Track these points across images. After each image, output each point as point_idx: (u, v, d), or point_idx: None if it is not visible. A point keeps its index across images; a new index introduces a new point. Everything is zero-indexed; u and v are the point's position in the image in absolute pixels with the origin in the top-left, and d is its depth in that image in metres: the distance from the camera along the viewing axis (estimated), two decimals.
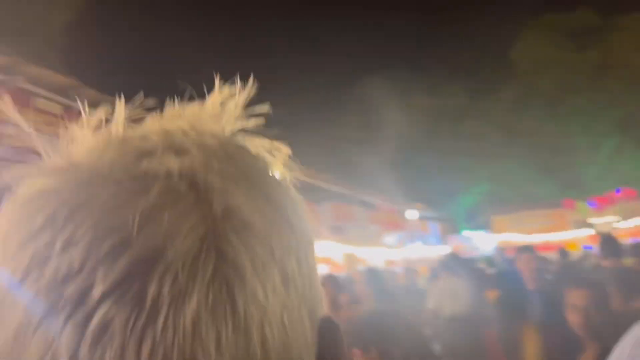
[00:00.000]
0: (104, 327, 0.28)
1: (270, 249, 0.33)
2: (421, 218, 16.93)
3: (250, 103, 0.40)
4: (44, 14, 16.12)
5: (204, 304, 0.29)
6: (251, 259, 0.31)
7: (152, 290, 0.28)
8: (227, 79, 0.41)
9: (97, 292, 0.28)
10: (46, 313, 0.28)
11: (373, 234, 13.48)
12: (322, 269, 12.24)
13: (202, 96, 0.41)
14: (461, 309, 4.26)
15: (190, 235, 0.30)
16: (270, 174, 0.39)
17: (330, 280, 4.75)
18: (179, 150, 0.34)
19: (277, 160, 0.41)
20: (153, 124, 0.38)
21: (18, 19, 15.38)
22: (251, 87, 0.41)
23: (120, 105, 0.39)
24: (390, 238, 14.43)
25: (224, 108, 0.39)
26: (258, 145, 0.40)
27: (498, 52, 24.15)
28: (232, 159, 0.35)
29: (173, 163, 0.33)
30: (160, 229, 0.29)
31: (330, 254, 11.89)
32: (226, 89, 0.40)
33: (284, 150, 0.42)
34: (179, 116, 0.38)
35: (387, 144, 19.80)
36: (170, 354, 0.28)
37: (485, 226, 18.71)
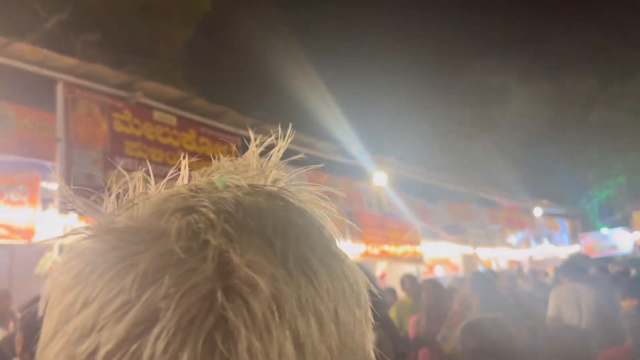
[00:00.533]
0: None
1: (279, 309, 0.31)
2: (548, 215, 15.77)
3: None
4: (166, 33, 17.31)
5: None
6: (252, 323, 0.30)
7: (147, 353, 0.29)
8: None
9: (101, 353, 0.30)
10: None
11: (494, 233, 12.83)
12: (437, 271, 11.88)
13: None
14: (585, 318, 3.75)
15: (187, 298, 0.30)
16: (298, 226, 0.36)
17: (432, 284, 4.56)
18: (190, 208, 0.34)
19: (320, 207, 0.43)
20: (197, 177, 0.41)
21: (141, 38, 16.69)
22: (290, 134, 0.44)
23: (184, 162, 0.42)
24: (513, 237, 13.66)
25: (262, 158, 0.42)
26: (302, 194, 0.42)
27: (633, 29, 21.62)
28: (243, 214, 0.34)
29: (180, 222, 0.33)
30: (159, 292, 0.30)
31: (446, 254, 11.52)
32: (266, 138, 0.44)
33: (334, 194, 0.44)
34: (218, 170, 0.41)
35: (506, 137, 18.66)
36: None
37: (623, 222, 16.98)
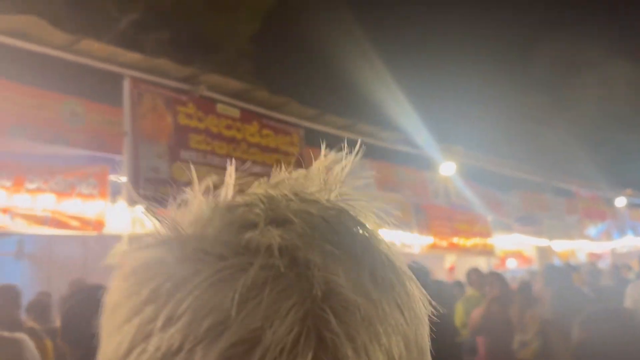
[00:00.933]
0: None
1: (375, 332, 0.32)
2: (632, 205, 14.73)
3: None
4: (231, 28, 17.59)
5: None
6: (353, 345, 0.30)
7: None
8: None
9: None
10: None
11: (572, 225, 12.14)
12: (510, 264, 11.38)
13: None
14: None
15: (289, 317, 0.29)
16: (377, 247, 0.37)
17: (496, 277, 4.47)
18: (281, 222, 0.33)
19: (386, 224, 0.42)
20: (259, 188, 0.38)
21: (208, 34, 17.06)
22: (359, 150, 0.44)
23: (231, 169, 0.40)
24: (593, 229, 12.87)
25: (330, 173, 0.42)
26: (367, 211, 0.40)
27: None
28: (334, 232, 0.34)
29: (274, 237, 0.32)
30: (259, 310, 0.29)
31: (520, 247, 11.03)
32: (333, 154, 0.44)
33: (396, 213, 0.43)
34: (284, 182, 0.39)
35: (584, 122, 17.56)
36: None
37: None
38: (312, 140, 7.10)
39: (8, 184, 4.34)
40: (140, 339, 0.30)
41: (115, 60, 5.22)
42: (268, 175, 0.40)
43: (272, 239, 0.32)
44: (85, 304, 1.89)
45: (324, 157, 0.42)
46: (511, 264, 10.98)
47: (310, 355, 0.28)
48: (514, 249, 11.09)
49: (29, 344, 2.47)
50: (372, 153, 8.13)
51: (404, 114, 10.18)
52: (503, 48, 19.32)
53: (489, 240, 10.04)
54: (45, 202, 4.54)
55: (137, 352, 0.30)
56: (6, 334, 2.44)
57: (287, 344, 0.28)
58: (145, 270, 0.33)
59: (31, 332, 3.11)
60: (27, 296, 4.44)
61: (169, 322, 0.29)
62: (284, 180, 0.40)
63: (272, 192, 0.37)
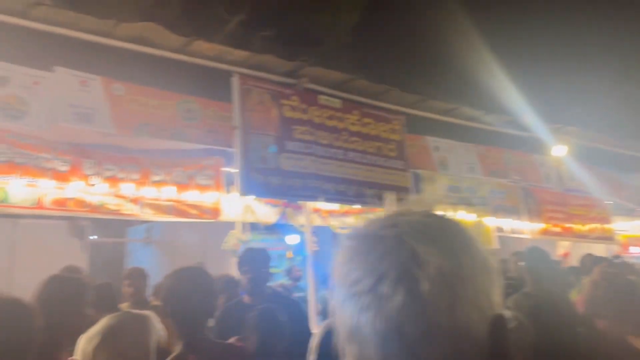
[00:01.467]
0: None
1: (459, 279, 0.62)
2: None
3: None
4: (333, 21, 17.77)
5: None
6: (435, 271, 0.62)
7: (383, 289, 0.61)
8: None
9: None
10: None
11: None
12: (633, 250, 10.50)
13: None
14: None
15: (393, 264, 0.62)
16: (461, 237, 0.71)
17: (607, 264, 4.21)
18: (394, 224, 0.67)
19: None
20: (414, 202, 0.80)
21: (311, 29, 17.41)
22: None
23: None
24: None
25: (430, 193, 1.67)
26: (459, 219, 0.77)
27: None
28: (428, 227, 0.69)
29: (390, 231, 0.66)
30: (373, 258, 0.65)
31: None
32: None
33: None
34: (412, 202, 0.78)
35: None
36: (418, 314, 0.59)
37: None
38: (414, 126, 7.07)
39: (136, 177, 4.83)
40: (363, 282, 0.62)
41: (224, 58, 5.58)
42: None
43: (389, 231, 0.66)
44: (183, 283, 2.10)
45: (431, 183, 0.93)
46: (634, 250, 10.15)
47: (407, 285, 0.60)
48: (638, 235, 10.25)
49: (155, 320, 2.78)
50: (476, 137, 7.92)
51: (510, 95, 9.73)
52: (623, 11, 17.70)
53: (609, 226, 9.38)
54: (168, 193, 4.99)
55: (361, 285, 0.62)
56: (135, 311, 2.76)
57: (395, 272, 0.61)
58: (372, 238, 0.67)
59: (156, 310, 3.48)
60: (155, 279, 4.91)
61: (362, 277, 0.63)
62: (412, 200, 0.78)
63: (402, 209, 0.73)
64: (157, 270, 7.50)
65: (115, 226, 8.20)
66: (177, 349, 2.02)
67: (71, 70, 4.57)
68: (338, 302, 0.62)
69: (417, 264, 0.59)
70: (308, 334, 2.83)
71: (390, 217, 0.68)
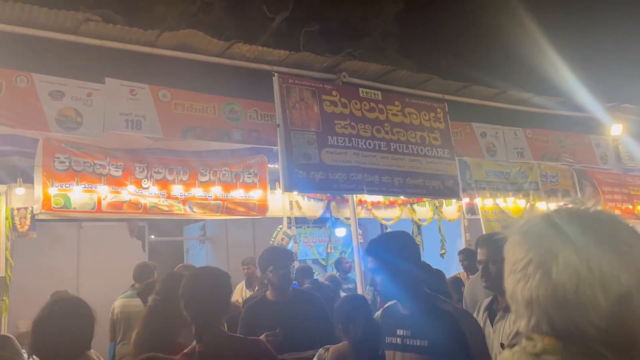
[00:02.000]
0: None
1: (584, 266, 0.81)
2: None
3: None
4: (376, 11, 17.66)
5: None
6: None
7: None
8: None
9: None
10: None
11: None
12: None
13: None
14: None
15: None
16: (595, 231, 0.86)
17: None
18: (539, 223, 0.93)
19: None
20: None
21: (354, 20, 17.35)
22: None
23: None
24: None
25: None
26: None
27: None
28: (566, 225, 0.88)
29: (537, 228, 0.92)
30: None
31: None
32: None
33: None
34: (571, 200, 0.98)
35: None
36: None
37: None
38: (459, 113, 7.00)
39: (185, 178, 5.06)
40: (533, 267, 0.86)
41: (264, 59, 5.72)
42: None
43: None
44: (197, 281, 2.25)
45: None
46: None
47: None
48: None
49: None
50: (526, 121, 7.73)
51: (561, 75, 9.43)
52: None
53: None
54: (216, 192, 5.20)
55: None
56: None
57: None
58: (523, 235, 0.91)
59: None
60: None
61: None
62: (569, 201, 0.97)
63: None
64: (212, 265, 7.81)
65: (173, 225, 8.57)
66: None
67: (121, 80, 4.84)
68: (505, 276, 0.92)
69: (551, 256, 0.84)
70: (328, 329, 2.94)
71: (539, 216, 0.92)
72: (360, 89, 6.26)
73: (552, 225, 0.88)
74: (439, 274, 3.87)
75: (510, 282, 0.90)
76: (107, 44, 4.87)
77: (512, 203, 7.30)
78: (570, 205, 0.93)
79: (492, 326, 2.50)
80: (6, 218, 4.52)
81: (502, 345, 2.34)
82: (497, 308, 2.54)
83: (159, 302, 2.59)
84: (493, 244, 2.50)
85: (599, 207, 0.92)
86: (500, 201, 7.18)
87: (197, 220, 7.82)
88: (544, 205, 7.58)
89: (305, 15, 17.21)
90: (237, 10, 14.35)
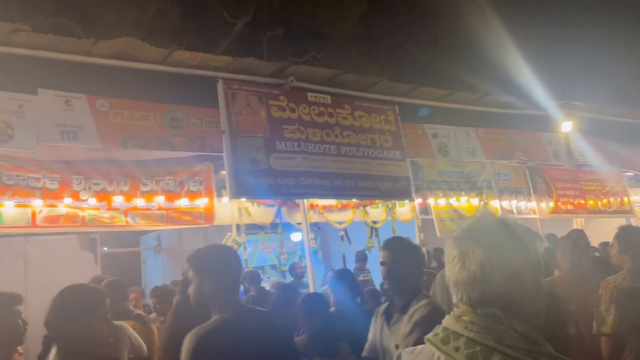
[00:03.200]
0: None
1: (487, 258, 1.22)
2: None
3: None
4: (339, 14, 17.70)
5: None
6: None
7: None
8: None
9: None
10: None
11: None
12: None
13: None
14: None
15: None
16: (492, 234, 1.26)
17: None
18: (461, 231, 1.35)
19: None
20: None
21: (318, 24, 17.34)
22: None
23: None
24: None
25: None
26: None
27: None
28: (474, 230, 1.29)
29: (457, 235, 1.34)
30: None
31: None
32: None
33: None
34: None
35: None
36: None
37: None
38: (409, 115, 7.03)
39: (126, 188, 4.96)
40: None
41: (208, 65, 5.65)
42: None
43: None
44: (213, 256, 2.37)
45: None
46: None
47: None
48: None
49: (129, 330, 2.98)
50: (477, 120, 7.82)
51: (514, 74, 9.56)
52: None
53: (626, 198, 9.14)
54: (159, 202, 5.11)
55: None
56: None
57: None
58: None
59: (138, 319, 3.60)
60: (165, 283, 5.03)
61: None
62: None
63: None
64: (168, 275, 7.67)
65: (128, 236, 8.41)
66: None
67: (55, 90, 4.72)
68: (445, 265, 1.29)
69: (466, 253, 1.22)
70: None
71: (464, 226, 1.31)
72: (309, 93, 6.24)
73: (469, 232, 1.28)
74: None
75: (447, 270, 1.27)
76: (39, 53, 4.74)
77: (465, 202, 7.37)
78: (482, 218, 1.32)
79: (389, 329, 2.52)
80: None
81: (397, 347, 2.35)
82: (394, 310, 2.56)
83: None
84: (396, 247, 2.52)
85: (500, 217, 1.33)
86: (453, 200, 7.24)
87: (151, 231, 7.69)
88: (497, 203, 7.68)
89: (267, 20, 17.15)
90: (196, 16, 14.22)
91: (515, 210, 8.00)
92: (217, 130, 5.41)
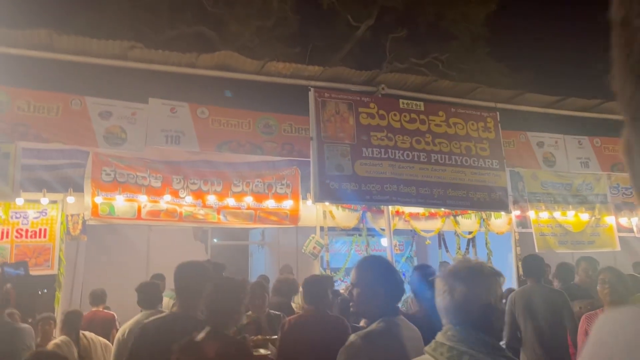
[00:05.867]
0: None
1: (468, 290, 1.64)
2: None
3: None
4: (465, 13, 17.19)
5: None
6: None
7: None
8: None
9: None
10: None
11: None
12: None
13: None
14: None
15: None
16: (472, 274, 1.67)
17: None
18: (446, 270, 1.76)
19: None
20: None
21: (443, 24, 17.01)
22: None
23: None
24: None
25: None
26: None
27: None
28: (458, 270, 1.70)
29: (442, 273, 1.75)
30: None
31: None
32: None
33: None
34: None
35: None
36: None
37: None
38: (512, 123, 6.75)
39: (219, 189, 5.46)
40: None
41: (300, 74, 5.97)
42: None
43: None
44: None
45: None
46: None
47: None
48: None
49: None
50: (592, 129, 7.24)
51: None
52: None
53: None
54: (248, 202, 5.54)
55: None
56: None
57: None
58: None
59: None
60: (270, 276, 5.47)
61: None
62: None
63: None
64: (270, 268, 8.19)
65: (237, 230, 9.10)
66: None
67: (162, 99, 5.35)
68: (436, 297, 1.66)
69: (452, 287, 1.59)
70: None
71: (451, 265, 1.71)
72: (401, 100, 6.29)
73: (455, 271, 1.64)
74: None
75: (436, 300, 1.64)
76: (151, 67, 5.40)
77: (572, 217, 6.88)
78: (465, 261, 1.68)
79: None
80: (61, 223, 5.21)
81: None
82: None
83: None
84: (359, 267, 2.43)
85: (480, 261, 1.72)
86: (557, 214, 6.80)
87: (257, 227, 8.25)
88: (613, 220, 7.05)
89: (391, 22, 17.18)
90: (318, 21, 14.73)
91: (635, 229, 7.29)
92: (306, 136, 5.70)
